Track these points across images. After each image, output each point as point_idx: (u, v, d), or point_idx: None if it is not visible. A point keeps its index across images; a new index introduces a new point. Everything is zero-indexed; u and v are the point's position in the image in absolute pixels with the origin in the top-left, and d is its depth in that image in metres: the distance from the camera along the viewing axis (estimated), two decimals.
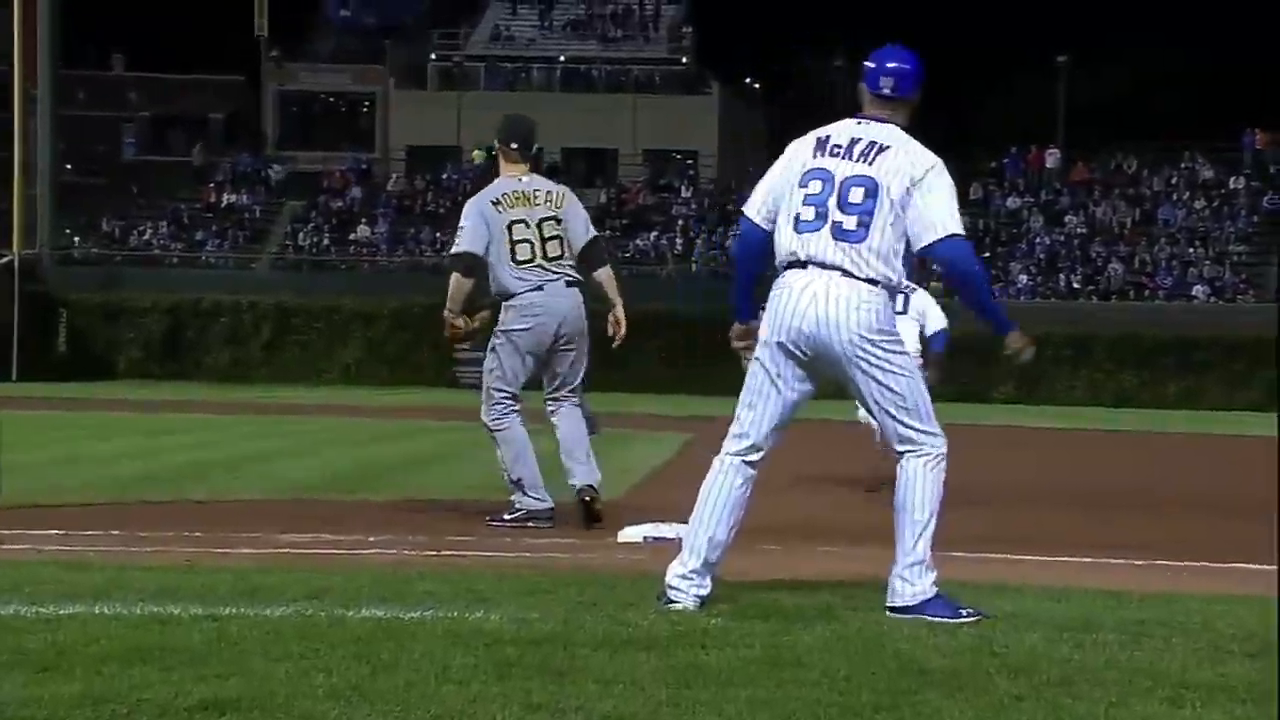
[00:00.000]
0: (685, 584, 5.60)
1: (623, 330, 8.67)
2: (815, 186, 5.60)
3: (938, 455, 5.61)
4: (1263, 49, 57.77)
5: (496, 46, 61.88)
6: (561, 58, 61.49)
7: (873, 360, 5.55)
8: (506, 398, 8.62)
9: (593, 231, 8.80)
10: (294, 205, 53.87)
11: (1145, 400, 36.91)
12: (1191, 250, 47.05)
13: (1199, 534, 9.29)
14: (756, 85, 70.42)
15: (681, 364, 40.24)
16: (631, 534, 7.90)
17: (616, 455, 14.32)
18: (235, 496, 9.92)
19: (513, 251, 8.50)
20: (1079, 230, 48.74)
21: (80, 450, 13.52)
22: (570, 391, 8.70)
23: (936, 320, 12.86)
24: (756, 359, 5.74)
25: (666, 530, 7.92)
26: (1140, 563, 7.44)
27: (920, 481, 5.57)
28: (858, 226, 5.54)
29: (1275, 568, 6.73)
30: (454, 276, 8.68)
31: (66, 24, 43.94)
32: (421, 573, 6.26)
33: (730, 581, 6.03)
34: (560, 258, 8.56)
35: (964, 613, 5.38)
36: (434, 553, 7.15)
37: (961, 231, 5.63)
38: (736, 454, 5.75)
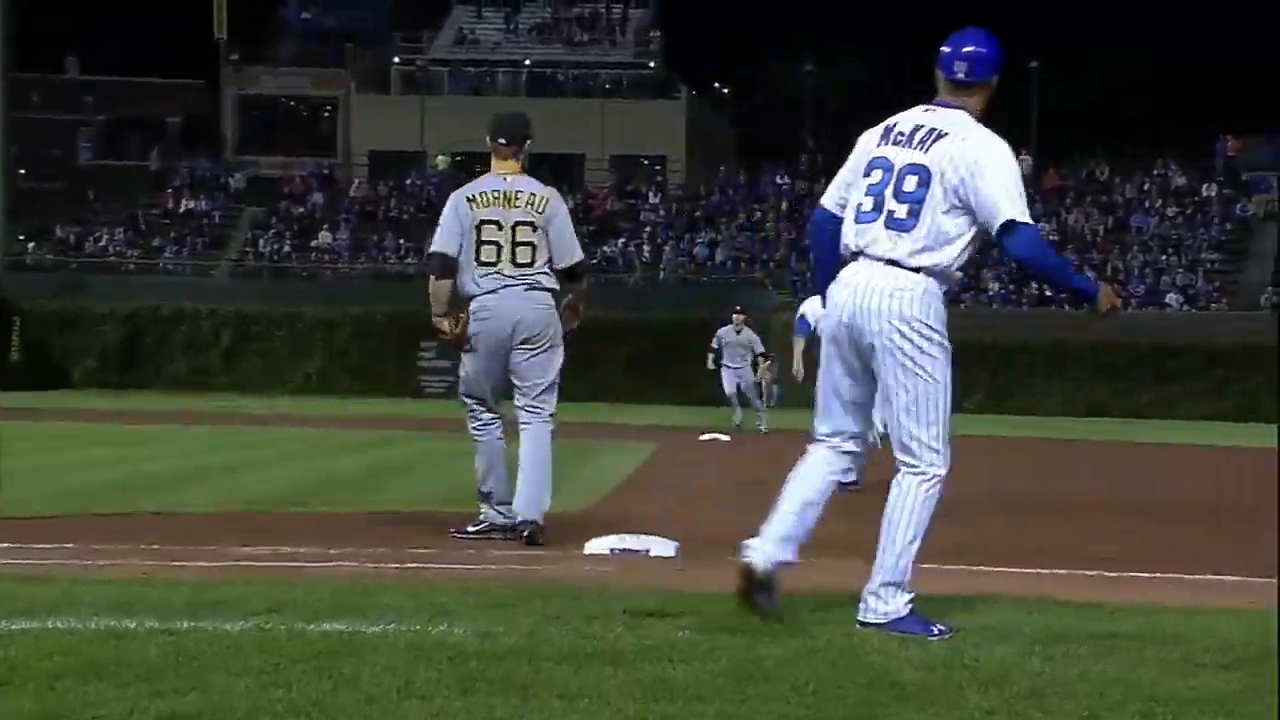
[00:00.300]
0: (761, 544, 5.58)
1: (577, 319, 8.50)
2: (876, 176, 5.58)
3: (934, 477, 5.53)
4: (1233, 52, 58.27)
5: (461, 50, 61.86)
6: (527, 62, 61.49)
7: (902, 351, 5.47)
8: (476, 404, 8.46)
9: (578, 254, 8.46)
10: (254, 211, 53.71)
11: (1118, 410, 37.13)
12: (1164, 258, 47.36)
13: (1173, 545, 9.34)
14: (725, 89, 70.65)
15: (649, 372, 40.31)
16: (598, 546, 7.89)
17: (583, 466, 14.31)
18: (193, 509, 9.87)
19: (478, 252, 8.24)
20: (1051, 238, 48.87)
21: (35, 461, 13.43)
22: (537, 402, 8.37)
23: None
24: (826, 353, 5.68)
25: (634, 542, 7.92)
26: (1113, 574, 7.47)
27: (912, 501, 5.52)
28: (908, 215, 5.50)
29: (1257, 579, 6.77)
30: (430, 279, 8.49)
31: (20, 26, 43.74)
32: (383, 586, 6.24)
33: (697, 593, 6.03)
34: (528, 265, 8.26)
35: (935, 630, 5.38)
36: (396, 565, 7.13)
37: (1020, 218, 5.45)
38: (821, 439, 5.71)
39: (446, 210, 8.41)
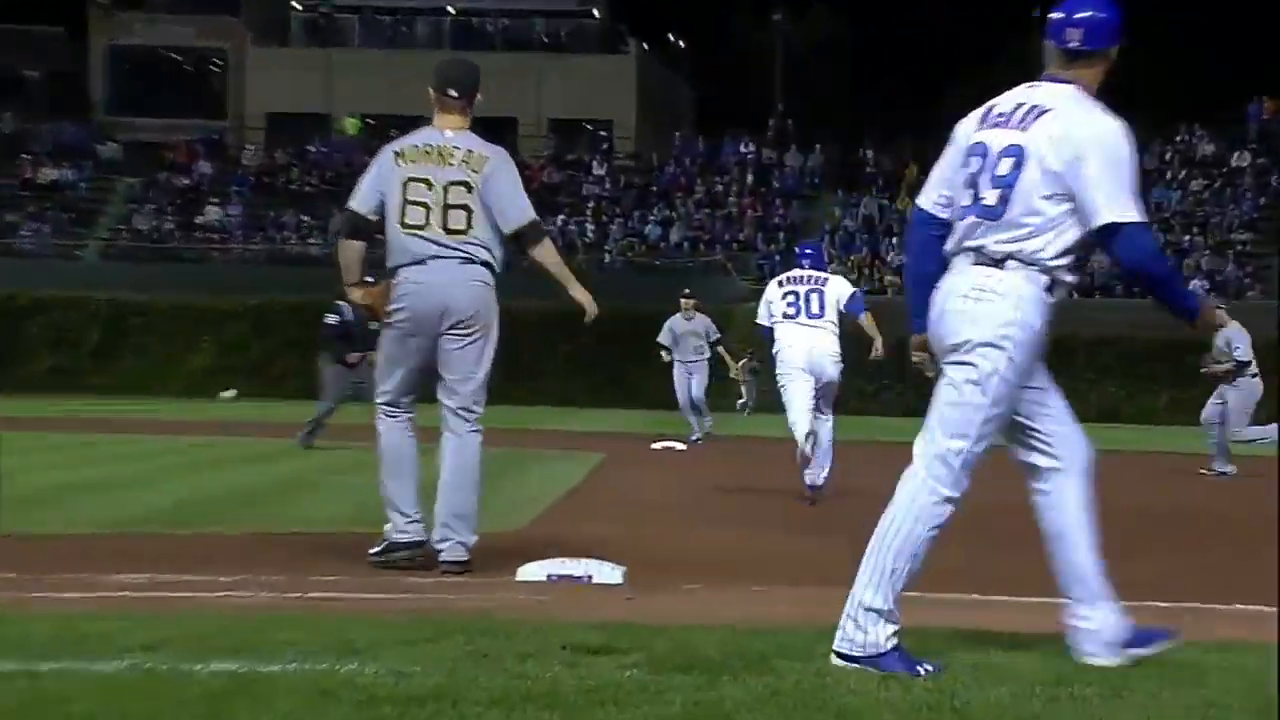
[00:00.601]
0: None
1: (589, 309, 8.51)
2: (974, 165, 5.61)
3: (941, 498, 5.57)
4: (1269, 2, 58.60)
5: None
6: (451, 9, 61.39)
7: (960, 353, 5.54)
8: (386, 395, 8.38)
9: (527, 215, 8.31)
10: (129, 183, 53.42)
11: (1134, 413, 37.42)
12: (1188, 238, 47.68)
13: (1197, 569, 9.44)
14: (681, 44, 70.77)
15: (594, 372, 40.40)
16: (533, 572, 7.91)
17: (516, 478, 14.32)
18: (58, 530, 9.83)
19: (403, 213, 8.16)
20: None
21: None
22: (467, 403, 8.30)
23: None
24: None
25: (574, 567, 7.95)
26: (1126, 604, 7.54)
27: (907, 516, 5.57)
28: (998, 202, 5.52)
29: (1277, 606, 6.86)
30: (340, 241, 8.48)
31: None
32: (282, 619, 6.24)
33: (646, 626, 6.06)
34: (463, 232, 8.15)
35: (921, 669, 5.42)
36: (298, 595, 7.13)
37: (1125, 219, 5.46)
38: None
39: (371, 166, 8.40)
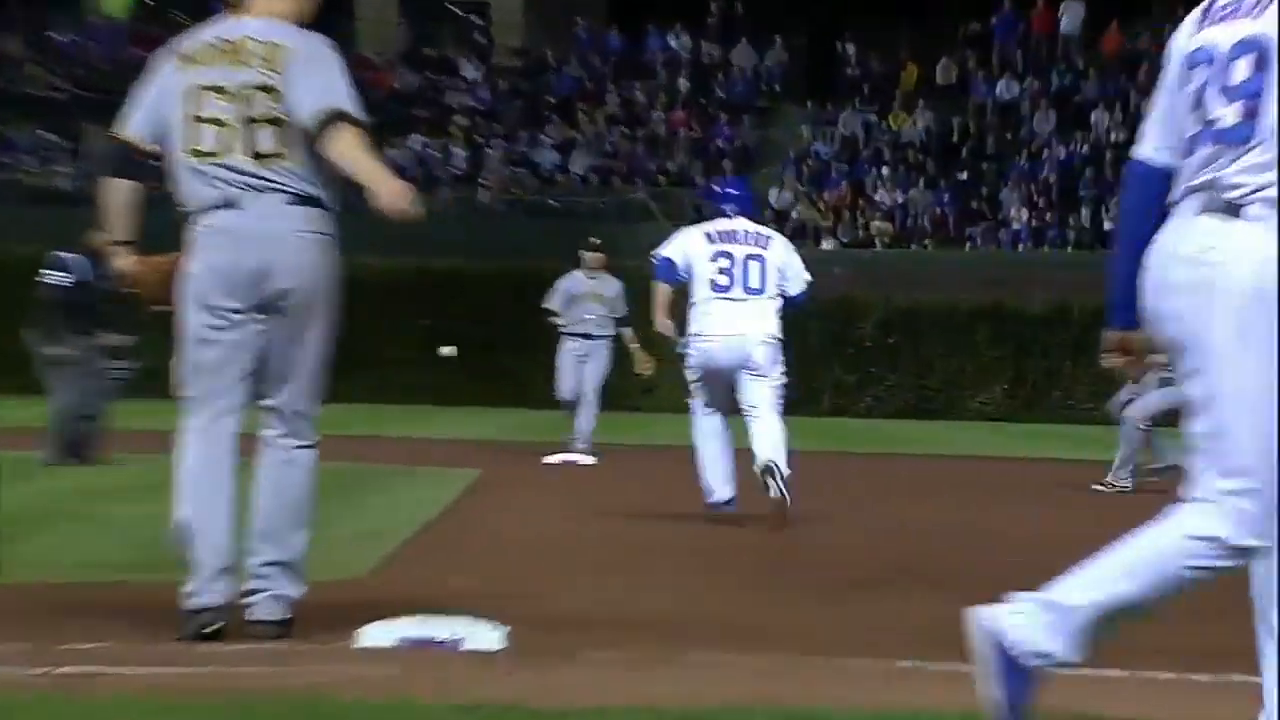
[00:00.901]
0: None
1: (407, 208, 7.88)
2: (1199, 76, 5.53)
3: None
4: None
5: None
6: None
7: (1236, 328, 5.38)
8: (193, 392, 8.20)
9: (336, 100, 8.02)
10: None
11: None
12: None
13: None
14: None
15: (466, 358, 40.31)
16: (380, 635, 7.94)
17: (359, 508, 14.32)
18: None
19: (193, 136, 8.13)
20: (1112, 136, 49.60)
21: None
22: (295, 409, 8.23)
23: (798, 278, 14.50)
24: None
25: (437, 627, 7.98)
26: (1205, 678, 7.65)
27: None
28: (1240, 119, 5.42)
29: None
30: (103, 181, 8.33)
31: None
32: (21, 706, 6.24)
33: (533, 710, 6.11)
34: (278, 158, 8.07)
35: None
36: (43, 671, 7.12)
37: None
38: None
39: (148, 73, 8.34)
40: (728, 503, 14.26)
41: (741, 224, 14.37)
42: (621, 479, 19.67)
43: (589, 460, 21.72)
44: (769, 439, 13.97)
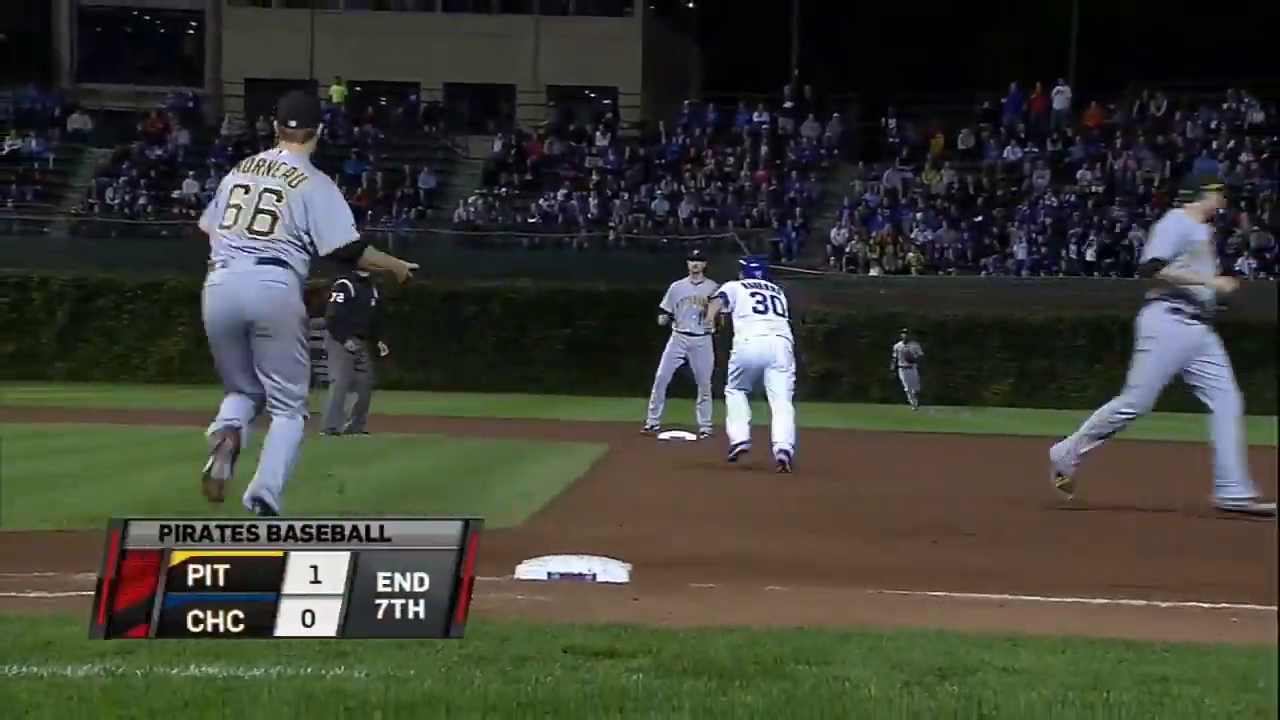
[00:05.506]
0: None
1: (402, 271, 9.50)
2: None
3: None
4: None
5: None
6: None
7: None
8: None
9: (349, 235, 9.13)
10: (98, 154, 53.40)
11: (1177, 400, 37.39)
12: (1235, 213, 47.62)
13: (1242, 570, 9.45)
14: (690, 3, 70.54)
15: (596, 357, 40.37)
16: (532, 570, 7.94)
17: (513, 472, 14.33)
18: (21, 527, 9.85)
19: (223, 216, 9.14)
20: (1093, 188, 49.34)
21: None
22: (282, 395, 9.16)
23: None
24: None
25: (576, 565, 7.97)
26: (1165, 604, 7.56)
27: None
28: None
29: None
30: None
31: None
32: None
33: (654, 628, 6.08)
34: (267, 234, 9.01)
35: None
36: None
37: None
38: None
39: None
40: (744, 444, 16.04)
41: (763, 281, 16.73)
42: (718, 451, 19.62)
43: (690, 437, 21.61)
44: (783, 427, 15.62)
